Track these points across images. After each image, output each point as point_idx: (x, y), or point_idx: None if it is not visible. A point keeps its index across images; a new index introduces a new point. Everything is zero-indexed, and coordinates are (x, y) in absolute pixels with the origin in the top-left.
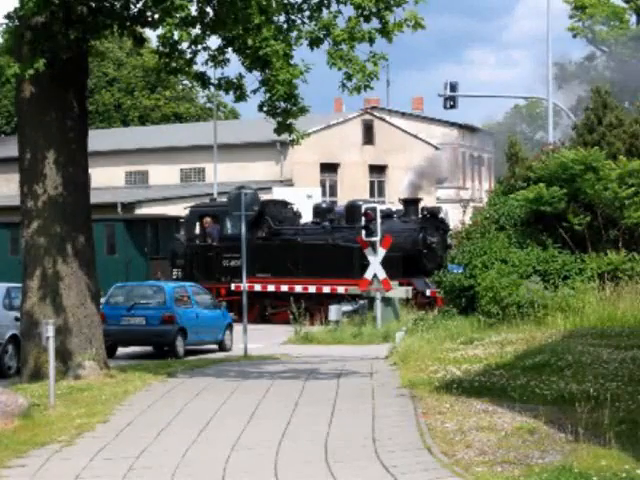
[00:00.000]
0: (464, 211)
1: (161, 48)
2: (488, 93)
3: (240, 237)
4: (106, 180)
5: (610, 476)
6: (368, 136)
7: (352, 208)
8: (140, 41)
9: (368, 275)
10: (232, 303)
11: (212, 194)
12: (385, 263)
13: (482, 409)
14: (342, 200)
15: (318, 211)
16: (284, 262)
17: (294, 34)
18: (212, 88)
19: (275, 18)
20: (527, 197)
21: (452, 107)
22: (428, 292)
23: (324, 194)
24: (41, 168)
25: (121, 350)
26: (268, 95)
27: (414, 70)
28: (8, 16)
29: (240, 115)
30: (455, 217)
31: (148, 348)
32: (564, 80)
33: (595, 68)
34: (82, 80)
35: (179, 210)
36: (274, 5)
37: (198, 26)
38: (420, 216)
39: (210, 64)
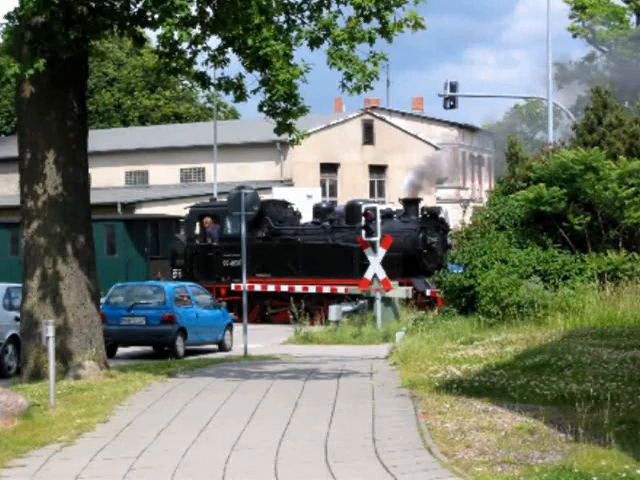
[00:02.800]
0: (464, 211)
1: (161, 48)
2: (488, 93)
3: (240, 237)
4: (106, 180)
5: (610, 476)
6: (368, 136)
7: (352, 208)
8: (140, 41)
9: (368, 275)
10: (232, 303)
11: (212, 194)
12: (385, 263)
13: (482, 409)
14: (342, 200)
15: (318, 211)
16: (284, 262)
17: (294, 34)
18: (212, 88)
19: (275, 18)
20: (527, 197)
21: (452, 107)
22: (428, 292)
23: (324, 194)
24: (41, 168)
25: (121, 350)
26: (268, 95)
27: (414, 70)
28: (8, 16)
29: (240, 115)
30: (455, 217)
31: (148, 348)
32: (564, 80)
33: (595, 68)
34: (82, 80)
35: (179, 210)
36: (274, 5)
37: (198, 26)
38: (420, 216)
39: (210, 64)
